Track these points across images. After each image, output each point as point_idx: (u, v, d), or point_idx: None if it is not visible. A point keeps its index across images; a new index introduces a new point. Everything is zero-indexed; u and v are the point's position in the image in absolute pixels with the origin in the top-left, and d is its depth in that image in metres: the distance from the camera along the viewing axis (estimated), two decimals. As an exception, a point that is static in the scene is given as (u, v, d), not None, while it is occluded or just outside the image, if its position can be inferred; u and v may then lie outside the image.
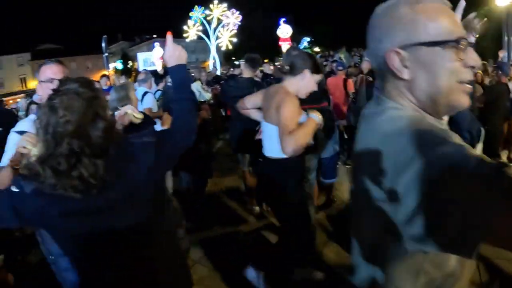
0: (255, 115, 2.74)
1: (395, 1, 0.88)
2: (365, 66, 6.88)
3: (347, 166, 5.49)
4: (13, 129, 1.96)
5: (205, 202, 4.56)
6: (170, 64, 1.61)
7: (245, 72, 4.01)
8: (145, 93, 4.93)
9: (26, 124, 1.99)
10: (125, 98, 2.75)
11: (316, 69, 2.40)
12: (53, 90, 1.19)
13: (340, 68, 6.01)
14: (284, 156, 2.33)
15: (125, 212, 1.30)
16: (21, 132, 1.87)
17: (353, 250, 1.03)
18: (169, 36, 1.65)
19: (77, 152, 1.14)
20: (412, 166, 0.71)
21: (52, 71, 1.95)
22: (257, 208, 4.32)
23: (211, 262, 3.33)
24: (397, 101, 0.89)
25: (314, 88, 2.44)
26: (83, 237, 1.28)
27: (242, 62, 5.00)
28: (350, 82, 5.88)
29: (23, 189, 1.20)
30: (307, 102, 2.59)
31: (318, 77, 2.42)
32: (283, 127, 2.22)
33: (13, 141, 1.85)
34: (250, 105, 2.73)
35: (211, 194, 4.89)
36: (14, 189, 1.21)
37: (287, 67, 2.42)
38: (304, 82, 2.39)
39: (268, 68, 8.91)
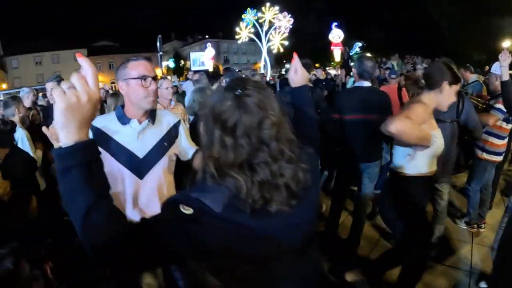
0: None
1: None
2: (419, 74, 6.67)
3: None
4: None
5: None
6: (297, 84, 1.51)
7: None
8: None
9: (101, 121, 1.91)
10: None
11: (454, 79, 2.23)
12: (237, 87, 0.96)
13: (393, 76, 5.80)
14: (420, 173, 2.28)
15: (310, 224, 1.17)
16: (92, 128, 1.83)
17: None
18: (295, 56, 1.53)
19: (277, 158, 0.96)
20: None
21: (145, 68, 1.81)
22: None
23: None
24: None
25: (454, 99, 2.29)
26: (268, 259, 1.01)
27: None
28: (405, 91, 5.74)
29: (209, 209, 0.89)
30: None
31: (457, 87, 2.26)
32: (403, 112, 2.14)
33: None
34: None
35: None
36: (185, 210, 0.88)
37: (423, 81, 2.23)
38: (443, 95, 2.23)
39: (320, 73, 8.91)
